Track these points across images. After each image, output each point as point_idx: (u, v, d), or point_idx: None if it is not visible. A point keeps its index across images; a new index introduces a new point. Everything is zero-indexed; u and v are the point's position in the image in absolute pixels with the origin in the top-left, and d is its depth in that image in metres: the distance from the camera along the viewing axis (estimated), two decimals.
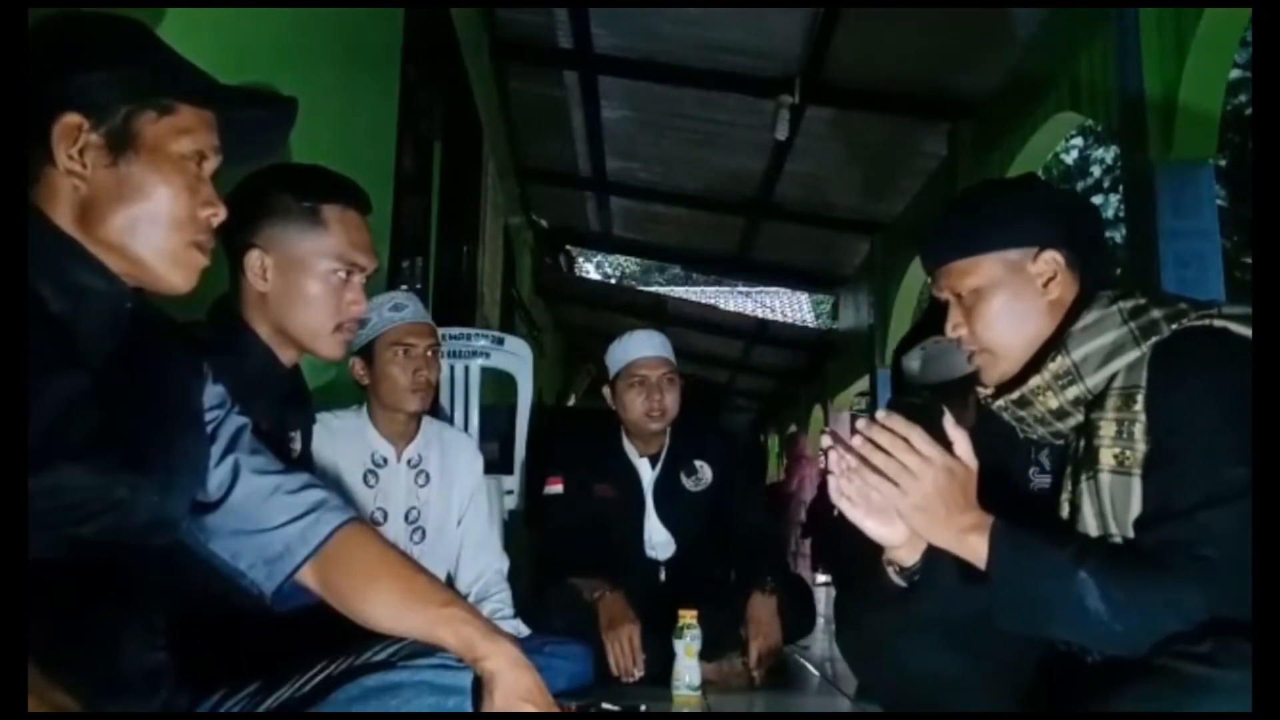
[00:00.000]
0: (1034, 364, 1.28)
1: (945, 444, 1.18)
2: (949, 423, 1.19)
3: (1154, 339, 1.19)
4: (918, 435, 1.16)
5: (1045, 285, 1.28)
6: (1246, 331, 1.17)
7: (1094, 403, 1.24)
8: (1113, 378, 1.22)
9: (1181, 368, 1.17)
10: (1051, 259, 1.28)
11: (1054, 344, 1.26)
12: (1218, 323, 1.18)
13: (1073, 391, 1.24)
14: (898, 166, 5.81)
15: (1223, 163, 8.39)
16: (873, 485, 1.17)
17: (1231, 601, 1.06)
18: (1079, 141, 10.59)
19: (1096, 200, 10.30)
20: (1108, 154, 10.08)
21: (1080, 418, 1.26)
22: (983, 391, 1.36)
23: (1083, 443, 1.25)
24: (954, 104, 4.95)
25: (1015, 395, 1.29)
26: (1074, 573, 1.11)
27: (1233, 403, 1.12)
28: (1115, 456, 1.19)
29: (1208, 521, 1.09)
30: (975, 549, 1.16)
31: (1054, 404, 1.26)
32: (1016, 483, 1.39)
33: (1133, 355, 1.20)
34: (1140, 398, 1.18)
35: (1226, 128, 4.34)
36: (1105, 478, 1.20)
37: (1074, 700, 1.21)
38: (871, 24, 4.36)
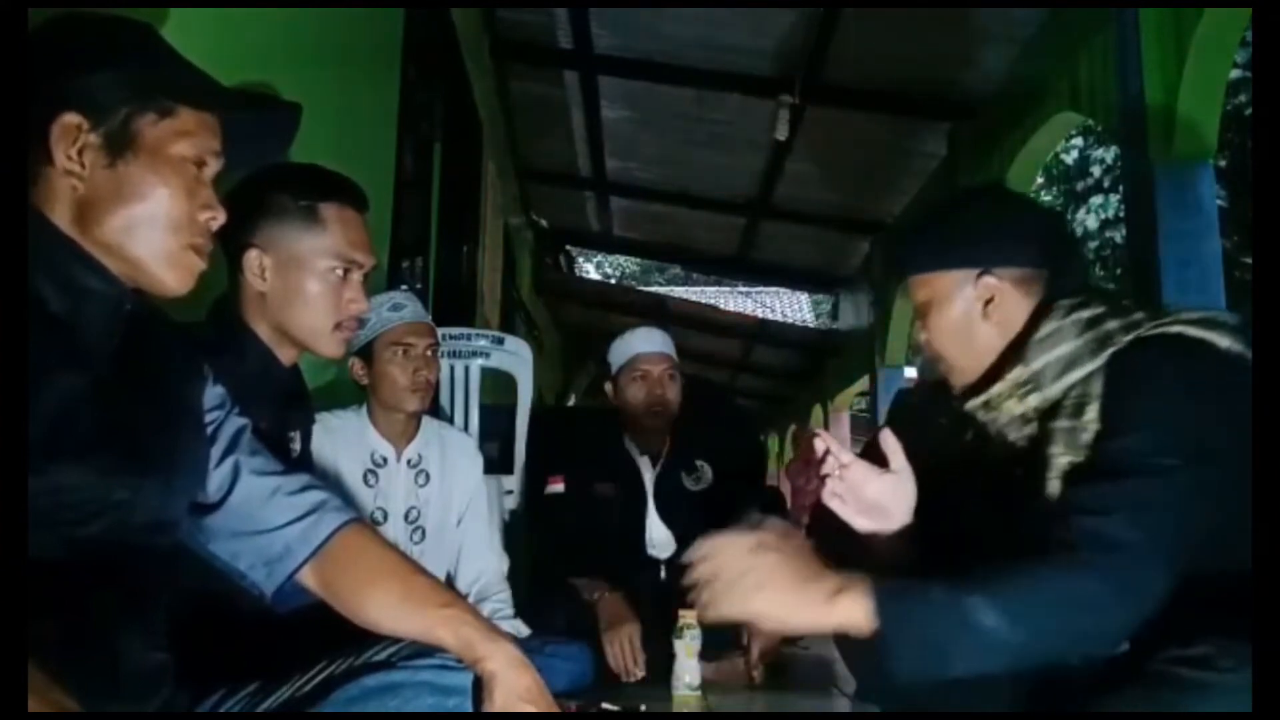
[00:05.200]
0: (996, 371, 1.29)
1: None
2: (884, 436, 1.22)
3: (1110, 350, 1.19)
4: (712, 545, 1.19)
5: (985, 307, 1.29)
6: (1203, 334, 1.17)
7: (1049, 412, 1.24)
8: (1071, 388, 1.22)
9: (1134, 378, 1.17)
10: (989, 284, 1.28)
11: (1015, 353, 1.27)
12: (1172, 329, 1.18)
13: (1033, 400, 1.25)
14: (898, 166, 5.81)
15: (1223, 163, 8.38)
16: None
17: (1195, 590, 1.05)
18: (1079, 141, 10.56)
19: (1096, 200, 10.29)
20: (1108, 154, 10.06)
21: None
22: (955, 395, 1.38)
23: (1041, 450, 1.25)
24: (954, 104, 4.94)
25: (980, 400, 1.31)
26: (960, 598, 1.07)
27: (1179, 403, 1.12)
28: (1065, 465, 1.20)
29: (1119, 509, 1.08)
30: (848, 612, 1.09)
31: (1017, 410, 1.27)
32: (992, 483, 1.39)
33: (1089, 367, 1.20)
34: (1090, 408, 1.19)
35: (1226, 128, 4.34)
36: (1054, 485, 1.20)
37: (1073, 704, 1.20)
38: (871, 24, 4.36)
